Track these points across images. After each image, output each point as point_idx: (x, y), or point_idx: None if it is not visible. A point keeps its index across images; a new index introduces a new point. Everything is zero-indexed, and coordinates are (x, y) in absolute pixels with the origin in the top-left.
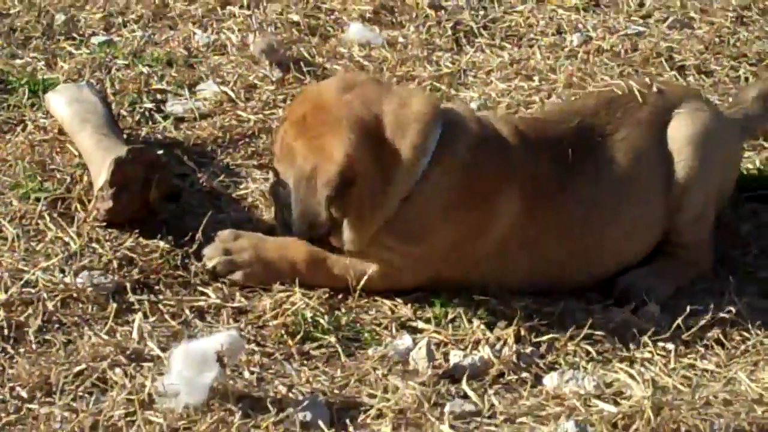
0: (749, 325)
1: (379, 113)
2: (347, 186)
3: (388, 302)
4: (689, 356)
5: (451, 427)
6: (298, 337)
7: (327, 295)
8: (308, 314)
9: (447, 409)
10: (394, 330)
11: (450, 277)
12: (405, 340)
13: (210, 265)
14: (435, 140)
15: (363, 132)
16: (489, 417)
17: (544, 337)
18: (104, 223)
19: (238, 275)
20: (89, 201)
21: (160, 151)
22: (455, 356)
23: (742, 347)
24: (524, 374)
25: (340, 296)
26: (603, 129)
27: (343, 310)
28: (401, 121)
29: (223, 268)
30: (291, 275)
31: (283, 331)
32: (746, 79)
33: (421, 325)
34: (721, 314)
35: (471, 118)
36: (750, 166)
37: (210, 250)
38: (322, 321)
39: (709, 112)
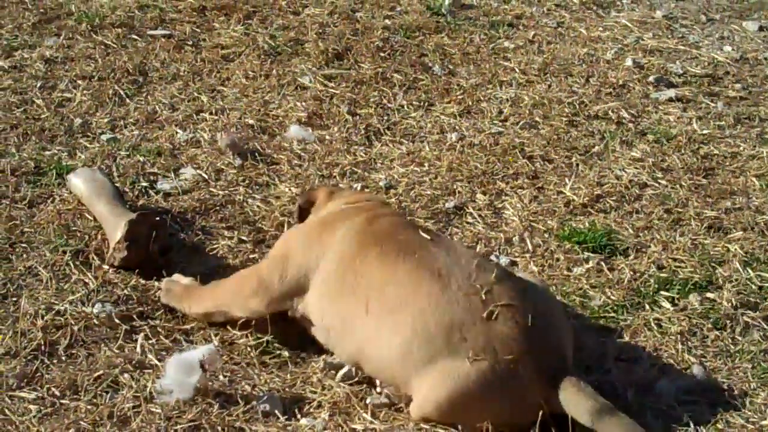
0: None
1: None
2: None
3: None
4: None
5: (372, 414)
6: (258, 350)
7: (282, 322)
8: (268, 336)
9: (369, 401)
10: None
11: None
12: None
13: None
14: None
15: None
16: (397, 410)
17: None
18: (118, 269)
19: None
20: (105, 252)
21: (158, 218)
22: None
23: None
24: None
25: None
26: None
27: (293, 332)
28: None
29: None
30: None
31: (247, 346)
32: (577, 165)
33: None
34: None
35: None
36: None
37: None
38: (276, 341)
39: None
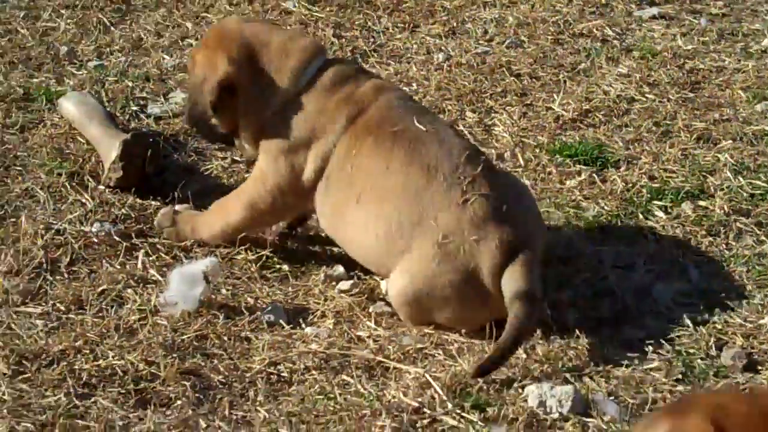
0: None
1: (266, 41)
2: (229, 94)
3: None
4: None
5: (375, 322)
6: (258, 265)
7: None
8: (267, 251)
9: (371, 309)
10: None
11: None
12: (338, 268)
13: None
14: (313, 71)
15: (246, 53)
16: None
17: None
18: (114, 189)
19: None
20: (100, 174)
21: (151, 139)
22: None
23: None
24: None
25: (289, 242)
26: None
27: (292, 247)
28: (286, 50)
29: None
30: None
31: (247, 261)
32: (564, 82)
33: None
34: None
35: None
36: None
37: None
38: (275, 256)
39: None
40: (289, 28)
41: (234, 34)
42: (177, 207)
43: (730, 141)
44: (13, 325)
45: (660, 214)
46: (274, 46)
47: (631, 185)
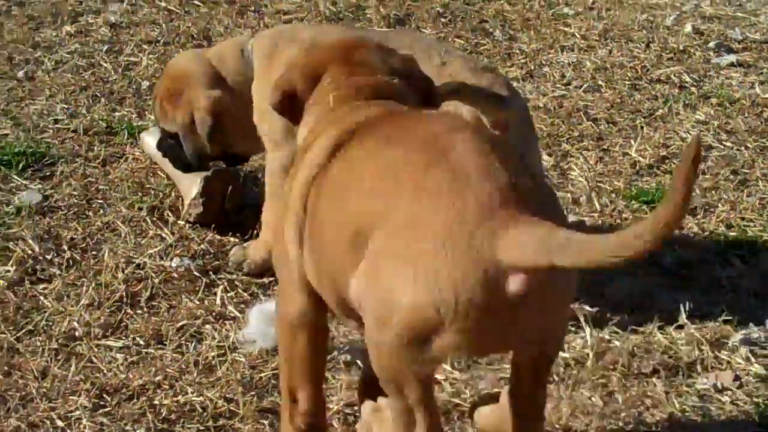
0: None
1: (209, 60)
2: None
3: None
4: None
5: (451, 365)
6: None
7: None
8: None
9: None
10: None
11: None
12: None
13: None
14: (249, 50)
15: (212, 75)
16: (475, 361)
17: None
18: (194, 224)
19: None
20: (180, 209)
21: (231, 175)
22: None
23: None
24: None
25: None
26: None
27: None
28: (222, 55)
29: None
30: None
31: None
32: (641, 127)
33: None
34: None
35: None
36: None
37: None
38: None
39: None
40: None
41: (192, 68)
42: (244, 245)
43: None
44: (94, 359)
45: (737, 263)
46: (219, 58)
47: (708, 233)
